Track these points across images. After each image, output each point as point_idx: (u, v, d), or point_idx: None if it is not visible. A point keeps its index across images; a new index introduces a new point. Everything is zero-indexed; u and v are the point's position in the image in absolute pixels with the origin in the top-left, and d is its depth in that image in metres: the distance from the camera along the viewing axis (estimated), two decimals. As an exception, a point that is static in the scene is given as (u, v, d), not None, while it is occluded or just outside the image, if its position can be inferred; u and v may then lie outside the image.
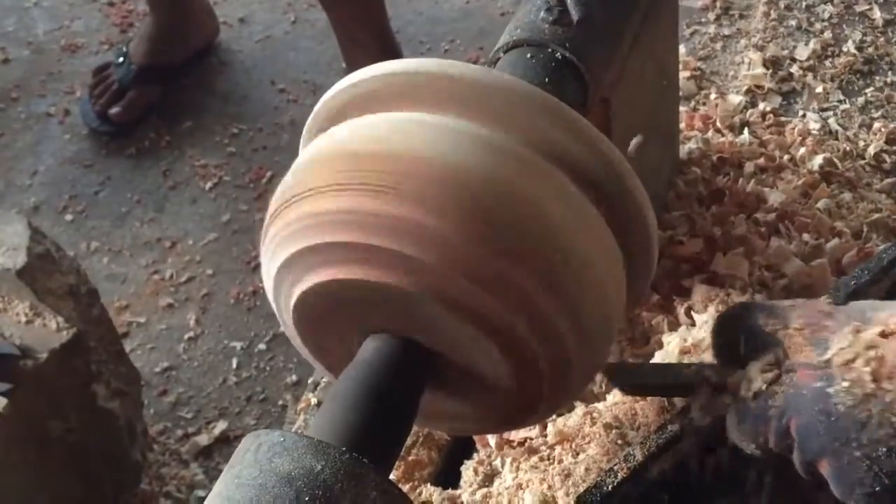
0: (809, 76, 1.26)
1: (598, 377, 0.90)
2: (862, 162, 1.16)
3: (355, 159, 0.61)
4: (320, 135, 0.67)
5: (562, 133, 0.62)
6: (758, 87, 1.25)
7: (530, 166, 0.61)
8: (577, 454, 0.80)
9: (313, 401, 0.99)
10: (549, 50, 0.75)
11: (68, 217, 1.82)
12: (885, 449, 0.52)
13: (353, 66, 1.79)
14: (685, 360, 0.82)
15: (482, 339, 0.61)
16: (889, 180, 1.14)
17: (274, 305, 0.70)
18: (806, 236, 1.04)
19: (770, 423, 0.57)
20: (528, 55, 0.74)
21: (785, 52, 1.29)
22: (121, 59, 1.93)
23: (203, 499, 1.19)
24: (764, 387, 0.58)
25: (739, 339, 0.61)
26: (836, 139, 1.18)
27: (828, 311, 0.59)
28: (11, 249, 1.16)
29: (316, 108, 0.68)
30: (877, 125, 1.19)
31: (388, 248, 0.58)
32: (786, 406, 0.56)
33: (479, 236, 0.58)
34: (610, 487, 0.65)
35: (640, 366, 0.87)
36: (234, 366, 1.61)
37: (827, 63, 1.28)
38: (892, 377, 0.53)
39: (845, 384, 0.54)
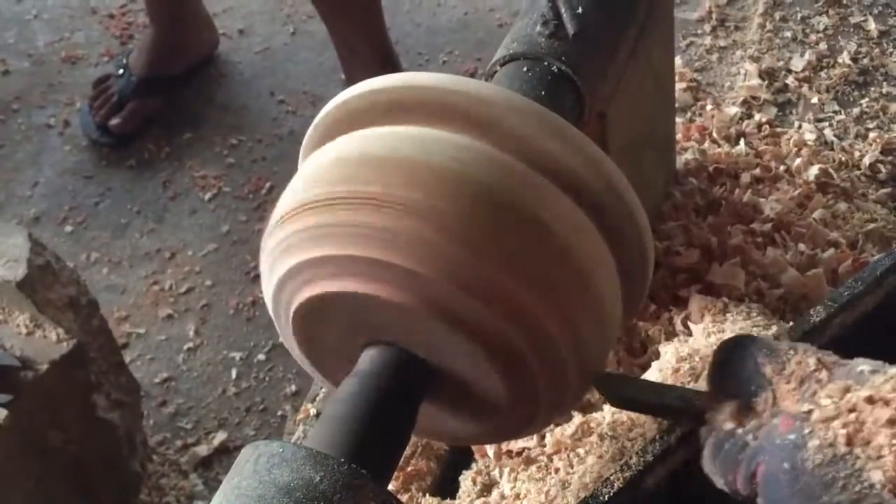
0: (805, 87, 1.27)
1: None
2: (857, 172, 1.16)
3: (354, 173, 0.62)
4: (319, 148, 0.68)
5: (557, 146, 0.62)
6: (753, 98, 1.26)
7: (526, 179, 0.61)
8: (575, 464, 0.81)
9: (312, 411, 1.00)
10: (546, 63, 0.75)
11: (68, 228, 1.83)
12: None
13: (352, 78, 1.80)
14: (681, 369, 0.83)
15: (478, 350, 0.61)
16: (884, 190, 1.14)
17: (273, 316, 0.71)
18: (802, 246, 1.05)
19: (740, 464, 0.56)
20: (525, 68, 0.75)
21: (780, 64, 1.30)
22: (121, 71, 1.94)
23: (203, 509, 1.19)
24: (736, 428, 0.57)
25: (736, 372, 0.60)
26: (832, 150, 1.19)
27: (828, 363, 0.57)
28: (12, 261, 1.16)
29: (314, 121, 0.69)
30: (872, 135, 1.20)
31: (387, 261, 0.59)
32: (757, 451, 0.55)
33: (476, 249, 0.59)
34: (606, 498, 0.65)
35: (629, 379, 0.87)
36: (234, 376, 1.61)
37: (822, 74, 1.28)
38: (867, 444, 0.51)
39: (817, 442, 0.52)
